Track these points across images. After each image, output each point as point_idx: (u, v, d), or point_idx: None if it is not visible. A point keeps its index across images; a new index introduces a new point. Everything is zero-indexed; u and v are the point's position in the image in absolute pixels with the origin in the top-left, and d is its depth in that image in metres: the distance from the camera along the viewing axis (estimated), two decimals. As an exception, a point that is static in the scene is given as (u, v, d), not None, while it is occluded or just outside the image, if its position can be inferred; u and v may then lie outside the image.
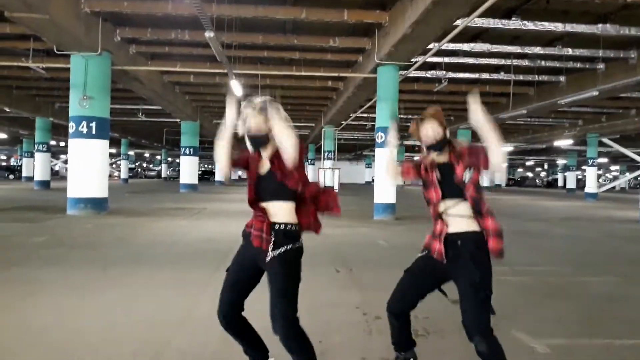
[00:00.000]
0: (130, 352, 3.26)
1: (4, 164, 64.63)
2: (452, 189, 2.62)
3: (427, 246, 2.72)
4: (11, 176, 42.42)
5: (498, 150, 2.53)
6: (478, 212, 2.58)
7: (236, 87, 13.34)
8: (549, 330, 3.96)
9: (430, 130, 2.67)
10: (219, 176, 40.99)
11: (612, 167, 66.24)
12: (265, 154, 2.64)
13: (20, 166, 40.27)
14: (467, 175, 2.59)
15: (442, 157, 2.70)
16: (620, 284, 5.83)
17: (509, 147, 36.25)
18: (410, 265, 2.80)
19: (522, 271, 6.34)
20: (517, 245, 8.92)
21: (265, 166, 2.64)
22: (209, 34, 7.79)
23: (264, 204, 2.60)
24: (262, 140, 2.61)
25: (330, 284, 5.34)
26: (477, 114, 2.57)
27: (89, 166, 12.16)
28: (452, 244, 2.59)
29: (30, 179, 31.23)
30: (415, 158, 2.90)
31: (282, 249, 2.57)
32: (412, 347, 2.92)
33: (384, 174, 2.77)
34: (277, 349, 2.64)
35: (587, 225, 13.16)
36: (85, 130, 12.04)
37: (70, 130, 12.20)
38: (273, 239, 2.56)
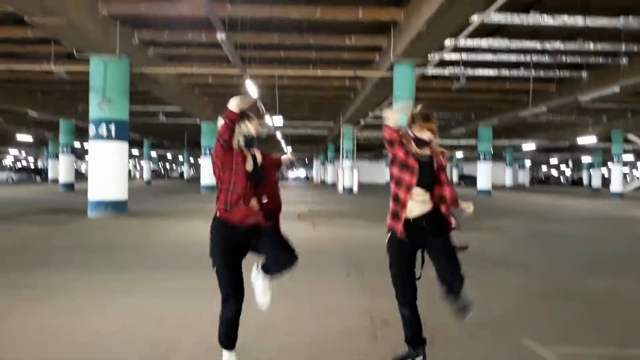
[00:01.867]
0: (140, 354, 3.27)
1: (31, 166, 66.17)
2: (425, 180, 3.05)
3: (391, 227, 3.12)
4: (38, 178, 43.30)
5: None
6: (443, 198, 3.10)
7: (251, 87, 13.36)
8: (562, 337, 3.84)
9: (430, 133, 3.05)
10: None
11: (640, 164, 64.66)
12: (249, 153, 3.06)
13: (47, 168, 41.06)
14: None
15: (424, 151, 3.10)
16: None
17: (531, 145, 35.61)
18: (391, 259, 3.18)
19: (537, 274, 6.20)
20: (535, 247, 8.76)
21: (250, 162, 3.02)
22: (220, 36, 7.81)
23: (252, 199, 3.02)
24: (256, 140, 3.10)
25: (339, 288, 5.29)
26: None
27: (108, 168, 12.32)
28: (418, 224, 3.06)
29: (56, 181, 31.79)
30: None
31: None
32: (424, 343, 3.15)
33: (395, 110, 3.21)
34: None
35: (610, 226, 12.84)
36: (104, 132, 12.20)
37: (90, 133, 12.38)
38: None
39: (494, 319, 4.10)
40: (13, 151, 58.47)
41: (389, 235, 3.14)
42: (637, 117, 22.89)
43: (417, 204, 3.07)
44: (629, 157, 43.01)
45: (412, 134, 3.04)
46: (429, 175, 3.06)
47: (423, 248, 3.13)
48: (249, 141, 3.03)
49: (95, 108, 12.23)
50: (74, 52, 12.20)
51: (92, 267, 6.10)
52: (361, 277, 5.83)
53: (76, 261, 6.52)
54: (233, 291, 2.93)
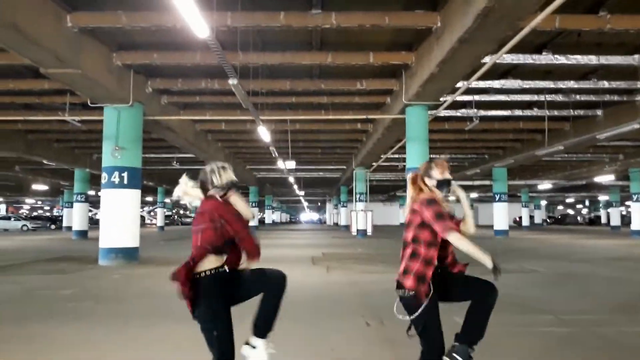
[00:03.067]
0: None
1: (47, 214, 66.75)
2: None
3: (420, 292, 2.89)
4: (53, 226, 43.54)
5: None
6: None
7: (264, 133, 13.38)
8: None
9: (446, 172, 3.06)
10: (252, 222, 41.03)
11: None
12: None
13: (62, 216, 41.33)
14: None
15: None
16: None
17: (547, 185, 35.17)
18: (428, 322, 2.94)
19: (568, 321, 5.85)
20: (562, 289, 8.38)
21: None
22: (232, 82, 7.83)
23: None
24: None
25: (358, 339, 4.99)
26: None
27: (120, 216, 12.24)
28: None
29: (70, 228, 31.92)
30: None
31: None
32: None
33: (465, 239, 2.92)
34: None
35: (636, 267, 12.37)
36: (117, 180, 12.19)
37: (103, 181, 12.37)
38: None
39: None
40: (29, 200, 59.15)
41: (414, 298, 2.95)
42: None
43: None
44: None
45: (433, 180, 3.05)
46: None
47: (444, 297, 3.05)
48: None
49: (108, 156, 12.27)
50: (89, 102, 12.35)
51: (97, 319, 5.87)
52: (381, 327, 5.52)
53: (81, 312, 6.29)
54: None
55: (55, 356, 4.34)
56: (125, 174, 12.20)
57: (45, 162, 23.13)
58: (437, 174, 3.00)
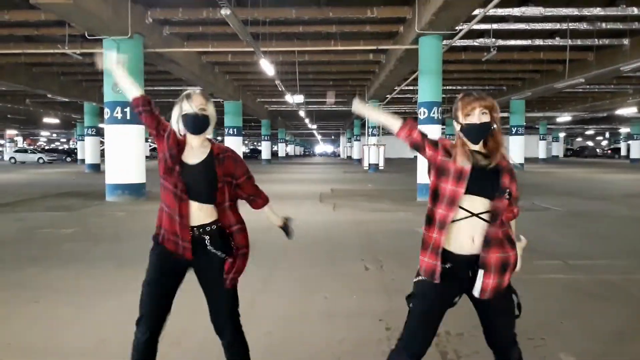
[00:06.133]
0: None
1: (63, 147, 67.43)
2: (486, 189, 2.05)
3: (424, 269, 2.11)
4: (69, 159, 43.99)
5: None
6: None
7: (266, 66, 12.85)
8: (607, 350, 3.31)
9: (481, 115, 2.06)
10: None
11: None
12: (197, 141, 2.35)
13: (77, 149, 41.65)
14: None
15: (482, 159, 2.10)
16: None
17: (567, 117, 34.12)
18: (415, 303, 2.15)
19: (576, 266, 5.61)
20: (573, 231, 8.11)
21: (196, 156, 2.33)
22: (225, 12, 7.28)
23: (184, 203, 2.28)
24: (205, 121, 2.33)
25: (354, 286, 4.82)
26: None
27: (125, 152, 12.09)
28: (466, 263, 2.08)
29: (84, 161, 32.23)
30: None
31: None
32: None
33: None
34: None
35: (653, 204, 11.99)
36: (119, 115, 11.92)
37: (106, 116, 12.13)
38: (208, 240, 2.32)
39: (526, 329, 3.57)
40: (44, 133, 59.56)
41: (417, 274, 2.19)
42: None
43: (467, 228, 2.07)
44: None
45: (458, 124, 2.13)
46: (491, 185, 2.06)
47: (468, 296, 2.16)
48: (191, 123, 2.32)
49: (109, 91, 11.93)
50: (86, 34, 11.86)
51: (93, 262, 5.79)
52: (380, 272, 5.35)
53: (78, 254, 6.22)
54: (151, 323, 2.33)
55: (42, 307, 4.24)
56: (127, 109, 11.89)
57: (50, 96, 22.87)
58: (461, 116, 2.11)
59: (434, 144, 2.14)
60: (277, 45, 14.48)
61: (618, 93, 26.25)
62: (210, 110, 2.36)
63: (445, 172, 2.08)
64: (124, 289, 4.54)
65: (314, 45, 15.07)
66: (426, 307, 2.12)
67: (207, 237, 2.30)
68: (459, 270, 2.08)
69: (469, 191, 2.03)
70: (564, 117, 34.97)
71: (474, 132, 2.08)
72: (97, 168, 26.39)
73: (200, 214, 2.29)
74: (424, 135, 2.17)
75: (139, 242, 7.09)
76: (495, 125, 2.09)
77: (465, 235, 2.06)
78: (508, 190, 2.06)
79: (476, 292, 2.05)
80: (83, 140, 34.46)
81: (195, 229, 2.29)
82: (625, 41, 14.44)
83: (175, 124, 2.35)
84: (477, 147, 2.12)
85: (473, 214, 2.05)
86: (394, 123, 2.21)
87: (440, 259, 2.05)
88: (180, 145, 2.34)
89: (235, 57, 17.60)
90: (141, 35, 12.23)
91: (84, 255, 6.24)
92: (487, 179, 2.06)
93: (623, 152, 57.79)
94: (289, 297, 4.50)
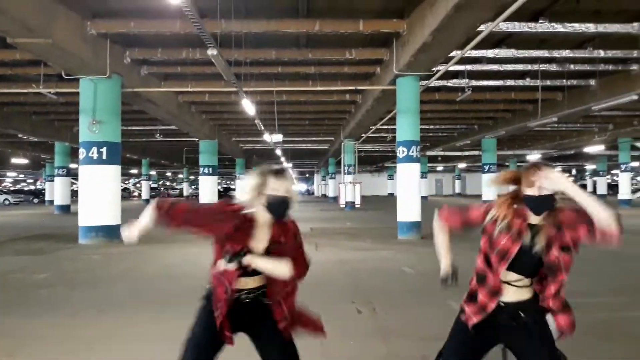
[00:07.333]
0: None
1: (30, 188, 65.67)
2: (527, 265, 2.14)
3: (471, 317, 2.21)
4: (35, 200, 42.81)
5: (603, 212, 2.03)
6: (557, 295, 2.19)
7: (248, 106, 12.87)
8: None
9: (548, 182, 2.09)
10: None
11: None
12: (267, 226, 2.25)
13: (44, 190, 40.62)
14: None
15: (535, 220, 2.15)
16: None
17: (536, 155, 35.08)
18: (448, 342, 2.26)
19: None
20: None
21: (263, 240, 2.23)
22: (212, 52, 7.30)
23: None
24: (288, 205, 2.22)
25: (349, 330, 4.67)
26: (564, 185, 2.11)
27: (100, 193, 11.77)
28: (511, 313, 2.18)
29: (52, 202, 31.37)
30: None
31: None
32: None
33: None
34: None
35: (629, 239, 12.18)
36: (95, 155, 11.68)
37: (80, 156, 11.86)
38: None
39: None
40: (11, 174, 58.00)
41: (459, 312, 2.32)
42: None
43: (516, 288, 2.18)
44: (634, 165, 42.39)
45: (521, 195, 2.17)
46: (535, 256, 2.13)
47: (504, 345, 2.29)
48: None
49: (85, 131, 11.72)
50: (63, 73, 11.72)
51: (70, 308, 5.50)
52: (373, 315, 5.22)
53: (54, 300, 5.92)
54: None
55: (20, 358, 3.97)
56: (104, 149, 11.69)
57: (21, 135, 22.39)
58: (526, 186, 2.13)
59: None
60: (257, 85, 14.57)
61: (584, 131, 27.12)
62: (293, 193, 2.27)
63: None
64: (107, 337, 4.30)
65: (292, 85, 15.23)
66: None
67: None
68: None
69: None
70: (534, 155, 35.84)
71: (540, 203, 2.14)
72: (67, 209, 25.73)
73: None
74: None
75: (118, 286, 6.84)
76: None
77: None
78: None
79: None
80: (52, 180, 33.71)
81: None
82: (593, 82, 15.03)
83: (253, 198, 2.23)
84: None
85: None
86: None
87: None
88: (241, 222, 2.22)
89: (213, 97, 17.62)
90: (119, 75, 12.15)
91: (61, 301, 5.93)
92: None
93: (589, 188, 59.38)
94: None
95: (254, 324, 2.26)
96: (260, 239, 2.23)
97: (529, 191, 2.10)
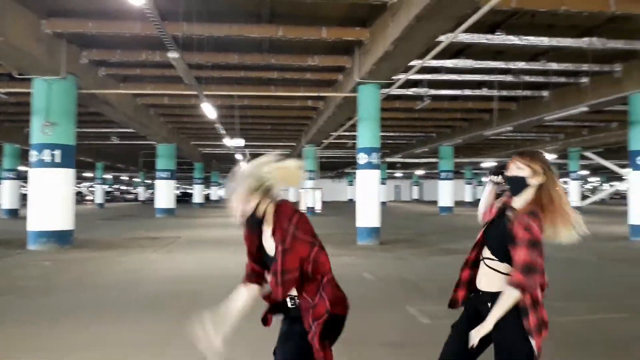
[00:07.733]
0: None
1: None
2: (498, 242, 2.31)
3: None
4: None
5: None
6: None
7: (208, 110, 12.72)
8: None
9: (514, 167, 2.34)
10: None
11: (591, 179, 66.77)
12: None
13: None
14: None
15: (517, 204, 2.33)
16: (636, 321, 5.27)
17: (491, 163, 36.13)
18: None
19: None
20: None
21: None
22: (172, 55, 7.19)
23: None
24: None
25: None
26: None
27: (52, 197, 11.35)
28: (482, 303, 2.35)
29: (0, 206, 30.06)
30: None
31: None
32: None
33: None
34: None
35: (578, 245, 12.64)
36: (48, 158, 11.26)
37: (32, 159, 11.41)
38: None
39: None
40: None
41: None
42: (593, 134, 23.33)
43: (490, 271, 2.33)
44: (583, 173, 44.21)
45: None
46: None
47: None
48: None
49: (38, 132, 11.29)
50: (15, 73, 11.28)
51: (19, 318, 5.27)
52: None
53: (2, 310, 5.66)
54: None
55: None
56: (57, 152, 11.29)
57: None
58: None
59: None
60: (218, 89, 14.43)
61: (537, 140, 28.13)
62: None
63: None
64: (61, 349, 4.13)
65: (254, 90, 15.16)
66: None
67: None
68: None
69: None
70: (489, 163, 36.87)
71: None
72: (15, 214, 24.70)
73: None
74: None
75: (71, 294, 6.59)
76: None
77: None
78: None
79: None
80: (0, 184, 32.32)
81: None
82: (546, 93, 15.62)
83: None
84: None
85: None
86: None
87: None
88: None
89: (172, 100, 17.35)
90: (75, 75, 11.78)
91: (11, 311, 5.67)
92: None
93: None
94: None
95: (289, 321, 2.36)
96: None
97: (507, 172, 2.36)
